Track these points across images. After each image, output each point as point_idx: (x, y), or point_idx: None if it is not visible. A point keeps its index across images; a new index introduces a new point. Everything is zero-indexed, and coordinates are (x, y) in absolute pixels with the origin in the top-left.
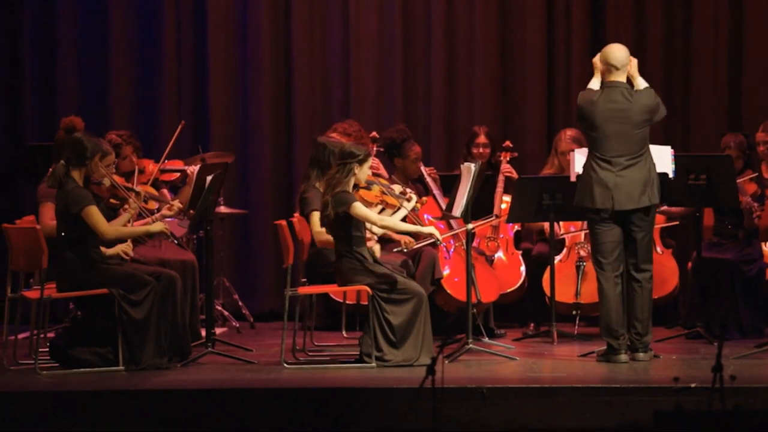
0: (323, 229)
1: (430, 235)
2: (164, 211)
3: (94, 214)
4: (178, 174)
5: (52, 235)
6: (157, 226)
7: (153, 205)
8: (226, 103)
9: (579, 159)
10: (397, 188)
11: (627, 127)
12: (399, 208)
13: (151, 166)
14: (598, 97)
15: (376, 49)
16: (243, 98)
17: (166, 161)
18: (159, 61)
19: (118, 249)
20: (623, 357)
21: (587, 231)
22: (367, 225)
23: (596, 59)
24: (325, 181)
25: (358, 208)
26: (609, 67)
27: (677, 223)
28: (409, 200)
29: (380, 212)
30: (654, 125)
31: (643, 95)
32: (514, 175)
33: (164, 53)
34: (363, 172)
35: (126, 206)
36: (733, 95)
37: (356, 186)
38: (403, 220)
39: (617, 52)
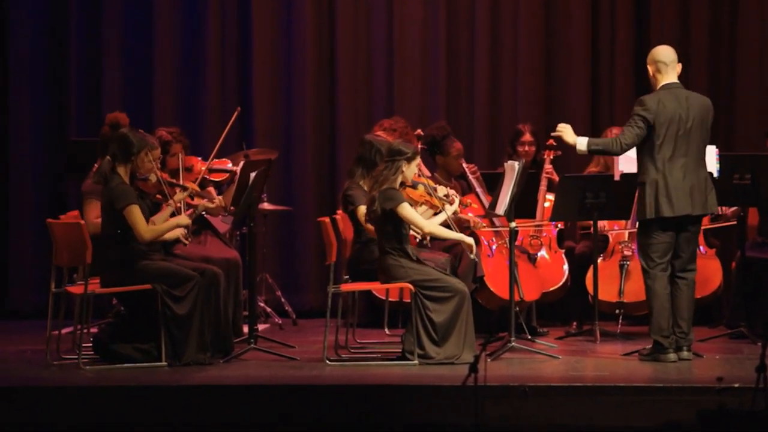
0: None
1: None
2: (206, 204)
3: (136, 213)
4: (227, 174)
5: (97, 233)
6: (183, 219)
7: (198, 200)
8: (270, 99)
9: (623, 158)
10: (441, 190)
11: (699, 128)
12: (441, 211)
13: (199, 165)
14: (667, 99)
15: (420, 45)
16: (287, 95)
17: (213, 160)
18: (203, 58)
19: (178, 233)
20: (672, 356)
21: (631, 230)
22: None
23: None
24: (373, 177)
25: (406, 209)
26: (659, 66)
27: (733, 222)
28: (451, 203)
29: (423, 212)
30: None
31: (699, 96)
32: (555, 177)
33: (208, 50)
34: (410, 170)
35: (170, 201)
36: None
37: (402, 184)
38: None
39: (663, 49)
